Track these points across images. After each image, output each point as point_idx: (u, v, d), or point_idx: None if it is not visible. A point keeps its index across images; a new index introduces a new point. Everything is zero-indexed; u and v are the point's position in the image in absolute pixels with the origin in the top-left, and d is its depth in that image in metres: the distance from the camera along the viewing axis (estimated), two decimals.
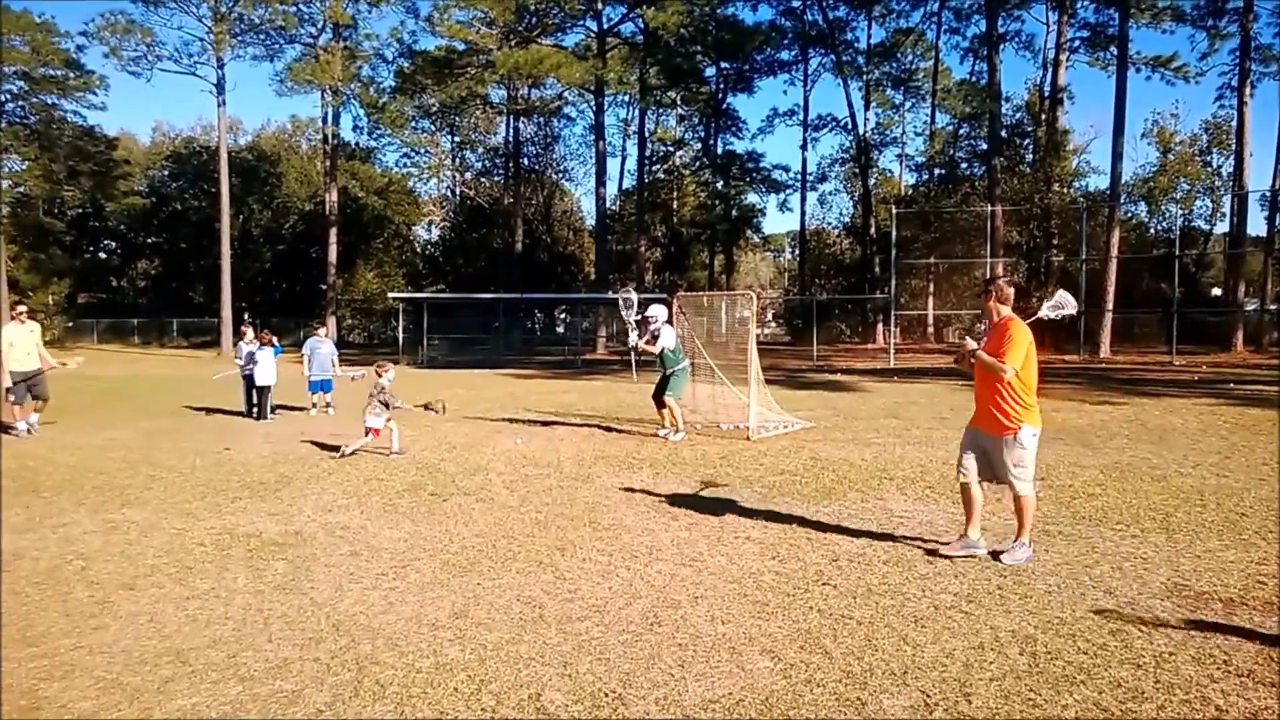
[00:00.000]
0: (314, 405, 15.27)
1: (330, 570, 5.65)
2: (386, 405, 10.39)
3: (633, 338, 11.99)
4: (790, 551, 6.00)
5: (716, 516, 7.10)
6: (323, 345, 15.63)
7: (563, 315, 52.94)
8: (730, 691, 3.81)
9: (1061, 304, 6.58)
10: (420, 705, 3.71)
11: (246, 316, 41.20)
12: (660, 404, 11.89)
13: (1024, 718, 3.56)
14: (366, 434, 10.40)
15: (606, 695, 3.78)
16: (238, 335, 16.14)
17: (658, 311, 11.89)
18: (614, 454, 10.44)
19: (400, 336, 38.81)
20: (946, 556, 5.73)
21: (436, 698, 3.78)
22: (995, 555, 5.71)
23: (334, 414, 14.95)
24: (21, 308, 12.31)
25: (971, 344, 5.83)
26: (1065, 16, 39.10)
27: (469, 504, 7.68)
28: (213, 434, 12.47)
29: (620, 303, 12.19)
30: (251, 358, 14.33)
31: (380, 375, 10.59)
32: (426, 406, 10.88)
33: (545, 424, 13.48)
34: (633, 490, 8.23)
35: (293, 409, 15.41)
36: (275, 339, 15.25)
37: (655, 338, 11.75)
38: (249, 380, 14.49)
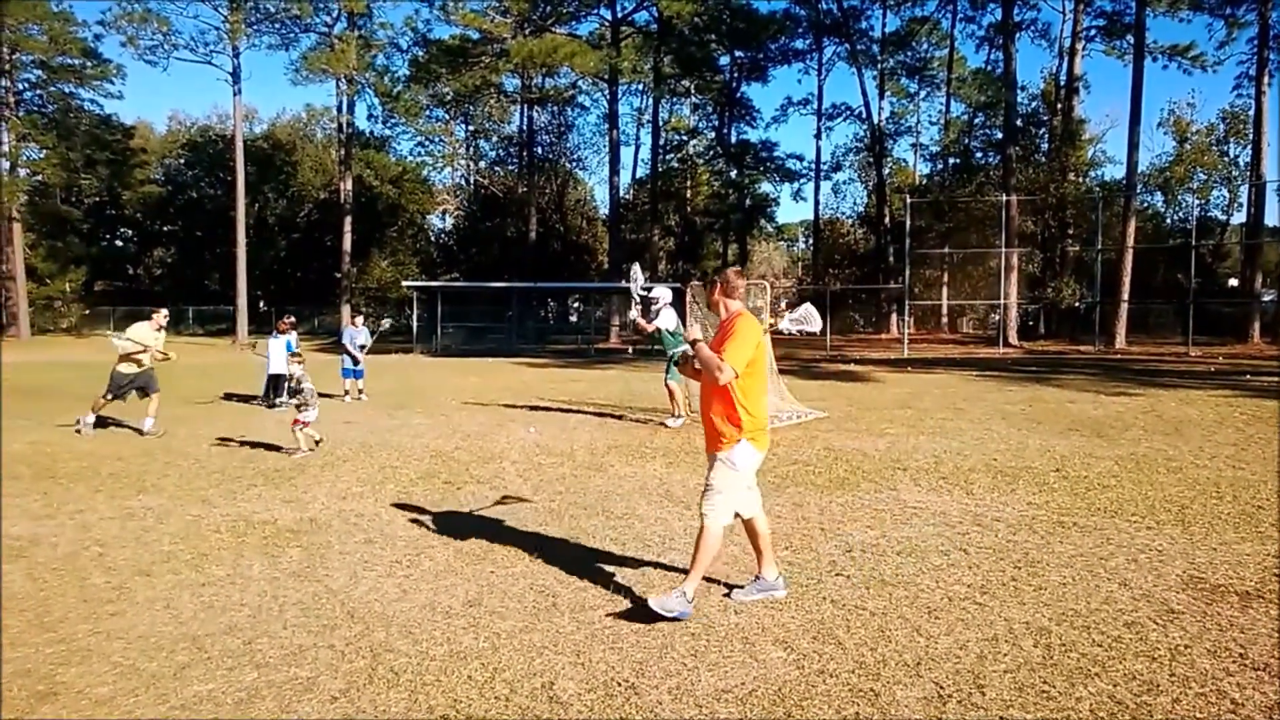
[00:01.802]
0: (346, 392, 15.56)
1: (345, 558, 5.68)
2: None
3: (633, 313, 12.00)
4: (803, 542, 5.99)
5: None
6: (359, 335, 16.02)
7: (576, 304, 53.01)
8: (743, 681, 3.81)
9: (805, 319, 5.94)
10: (434, 693, 3.73)
11: (265, 307, 41.33)
12: (670, 390, 12.00)
13: (1038, 710, 3.54)
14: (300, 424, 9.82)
15: (619, 684, 3.79)
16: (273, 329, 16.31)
17: (661, 293, 11.93)
18: (627, 443, 10.45)
19: (414, 325, 38.92)
20: (741, 600, 4.79)
21: (450, 685, 3.79)
22: (643, 604, 4.58)
23: (366, 400, 15.26)
24: (163, 312, 12.32)
25: (696, 331, 4.78)
26: (1081, 5, 38.73)
27: (483, 492, 7.70)
28: (228, 421, 12.54)
29: (630, 278, 12.13)
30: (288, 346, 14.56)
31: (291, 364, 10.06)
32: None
33: (558, 412, 13.50)
34: (646, 479, 8.23)
35: (323, 396, 15.59)
36: (293, 330, 15.32)
37: (655, 317, 11.78)
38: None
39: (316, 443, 9.88)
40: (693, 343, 4.68)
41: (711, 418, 4.68)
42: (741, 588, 4.92)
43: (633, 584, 5.11)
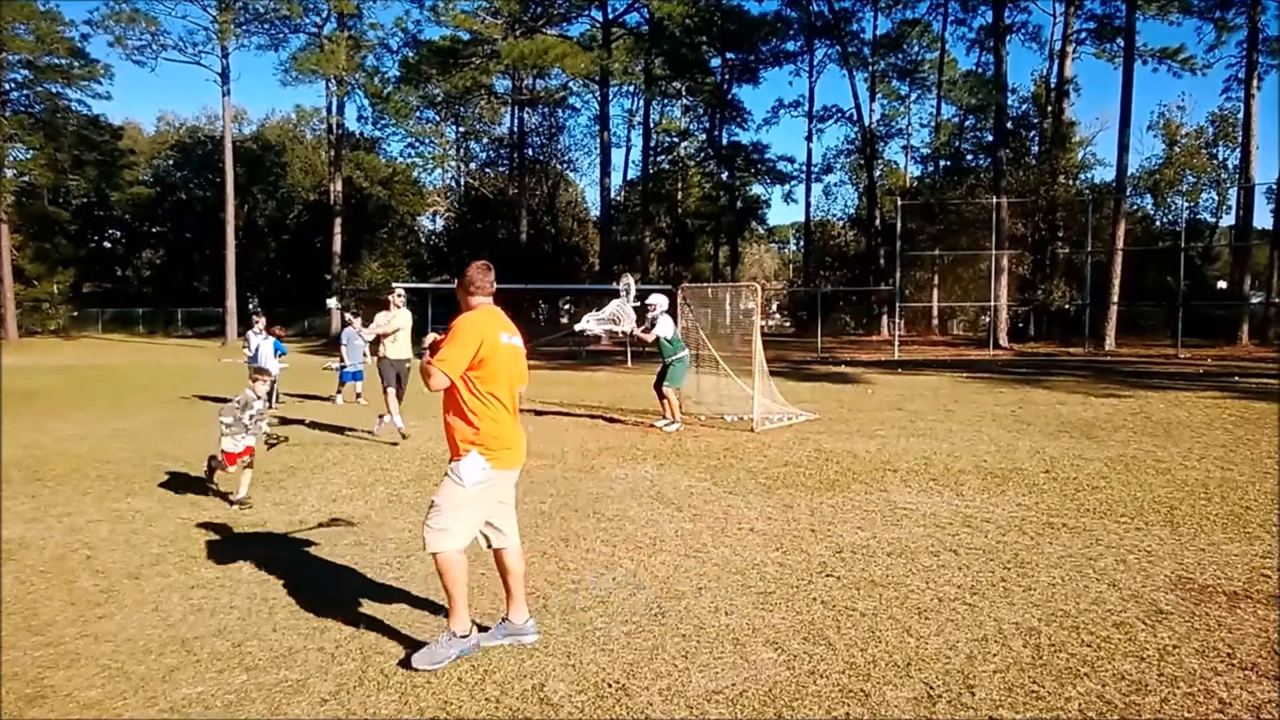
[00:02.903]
0: (339, 392, 15.43)
1: (334, 560, 5.66)
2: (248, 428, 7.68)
3: (628, 324, 11.90)
4: (794, 543, 6.00)
5: (720, 508, 7.11)
6: (358, 337, 15.61)
7: (567, 306, 52.91)
8: (734, 682, 3.82)
9: (615, 317, 5.62)
10: (424, 695, 3.72)
11: (251, 306, 41.24)
12: (660, 394, 11.91)
13: (1027, 710, 3.56)
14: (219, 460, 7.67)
15: (610, 686, 3.79)
16: (248, 325, 16.20)
17: (657, 300, 11.85)
18: (618, 445, 10.44)
19: None
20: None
21: (440, 687, 3.79)
22: (406, 659, 4.04)
23: (365, 403, 15.13)
24: (399, 298, 11.41)
25: (432, 336, 4.35)
26: (1072, 8, 38.86)
27: None
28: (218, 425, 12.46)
29: (621, 290, 12.04)
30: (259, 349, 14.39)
31: (256, 382, 7.99)
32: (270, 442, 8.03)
33: (549, 415, 13.47)
34: (637, 481, 8.23)
35: (316, 399, 15.53)
36: (281, 332, 15.21)
37: (653, 325, 11.72)
38: None
39: (230, 498, 7.44)
40: (427, 347, 4.23)
41: (447, 422, 4.18)
42: (487, 629, 4.33)
43: (624, 586, 5.11)
